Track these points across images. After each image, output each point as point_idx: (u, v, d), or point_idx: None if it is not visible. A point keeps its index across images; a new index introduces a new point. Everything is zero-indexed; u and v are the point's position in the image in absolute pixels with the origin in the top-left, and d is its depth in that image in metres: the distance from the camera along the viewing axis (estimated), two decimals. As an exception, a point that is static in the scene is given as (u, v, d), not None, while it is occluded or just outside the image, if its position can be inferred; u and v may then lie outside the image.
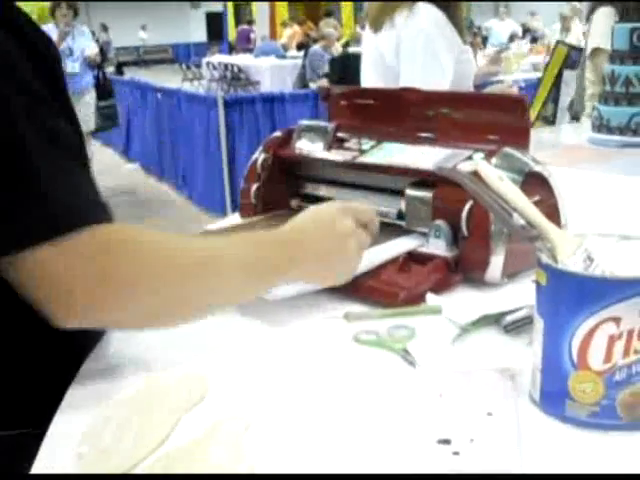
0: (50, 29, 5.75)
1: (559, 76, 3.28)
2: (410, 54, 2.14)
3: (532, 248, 0.76)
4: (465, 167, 1.03)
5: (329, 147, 1.30)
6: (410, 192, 1.14)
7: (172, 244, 0.82)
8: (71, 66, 5.96)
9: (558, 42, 3.57)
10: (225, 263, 0.84)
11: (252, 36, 16.63)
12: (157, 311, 0.80)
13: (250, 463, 0.63)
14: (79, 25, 6.31)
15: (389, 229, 1.19)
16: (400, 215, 1.19)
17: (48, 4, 6.06)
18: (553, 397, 0.72)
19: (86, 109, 6.12)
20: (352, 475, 0.64)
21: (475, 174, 0.86)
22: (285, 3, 18.26)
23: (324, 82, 8.11)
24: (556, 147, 2.30)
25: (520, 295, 0.94)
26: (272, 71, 10.87)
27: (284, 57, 11.90)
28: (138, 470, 0.64)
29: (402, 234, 1.15)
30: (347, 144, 1.29)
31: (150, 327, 0.85)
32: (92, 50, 6.24)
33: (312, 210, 0.96)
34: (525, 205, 0.79)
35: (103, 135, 7.89)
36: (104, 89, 6.43)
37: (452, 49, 2.15)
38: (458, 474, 0.63)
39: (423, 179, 1.14)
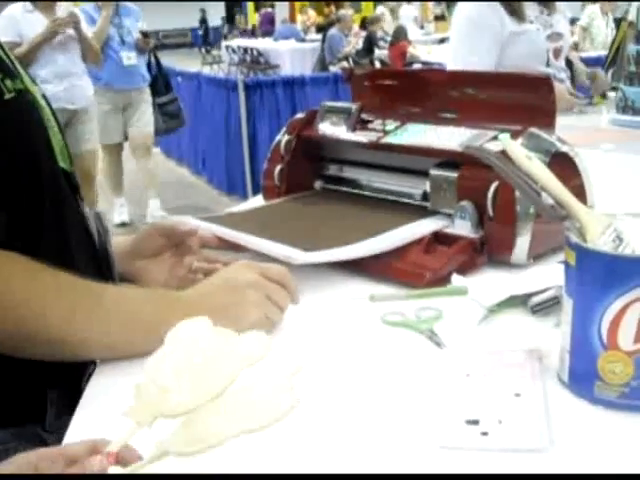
0: (89, 9, 4.62)
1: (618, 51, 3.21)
2: (451, 37, 2.46)
3: (558, 229, 0.76)
4: (492, 146, 1.02)
5: (353, 128, 1.29)
6: (435, 173, 1.13)
7: (43, 277, 0.79)
8: (127, 56, 4.65)
9: (622, 18, 3.50)
10: (103, 304, 0.82)
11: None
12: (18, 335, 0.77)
13: (296, 396, 0.62)
14: (124, 1, 4.78)
15: (414, 210, 1.18)
16: (425, 196, 1.19)
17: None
18: (582, 378, 0.72)
19: (146, 108, 4.90)
20: (353, 475, 0.64)
21: (503, 153, 0.86)
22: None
23: (344, 64, 8.07)
24: (578, 128, 2.27)
25: (546, 276, 0.93)
26: (292, 54, 10.86)
27: (303, 40, 11.87)
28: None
29: (427, 215, 1.15)
30: (371, 125, 1.28)
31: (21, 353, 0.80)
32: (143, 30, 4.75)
33: (219, 271, 0.94)
34: (554, 185, 0.78)
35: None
36: (158, 81, 5.00)
37: (495, 36, 2.32)
38: (470, 474, 0.63)
39: (448, 160, 1.13)
